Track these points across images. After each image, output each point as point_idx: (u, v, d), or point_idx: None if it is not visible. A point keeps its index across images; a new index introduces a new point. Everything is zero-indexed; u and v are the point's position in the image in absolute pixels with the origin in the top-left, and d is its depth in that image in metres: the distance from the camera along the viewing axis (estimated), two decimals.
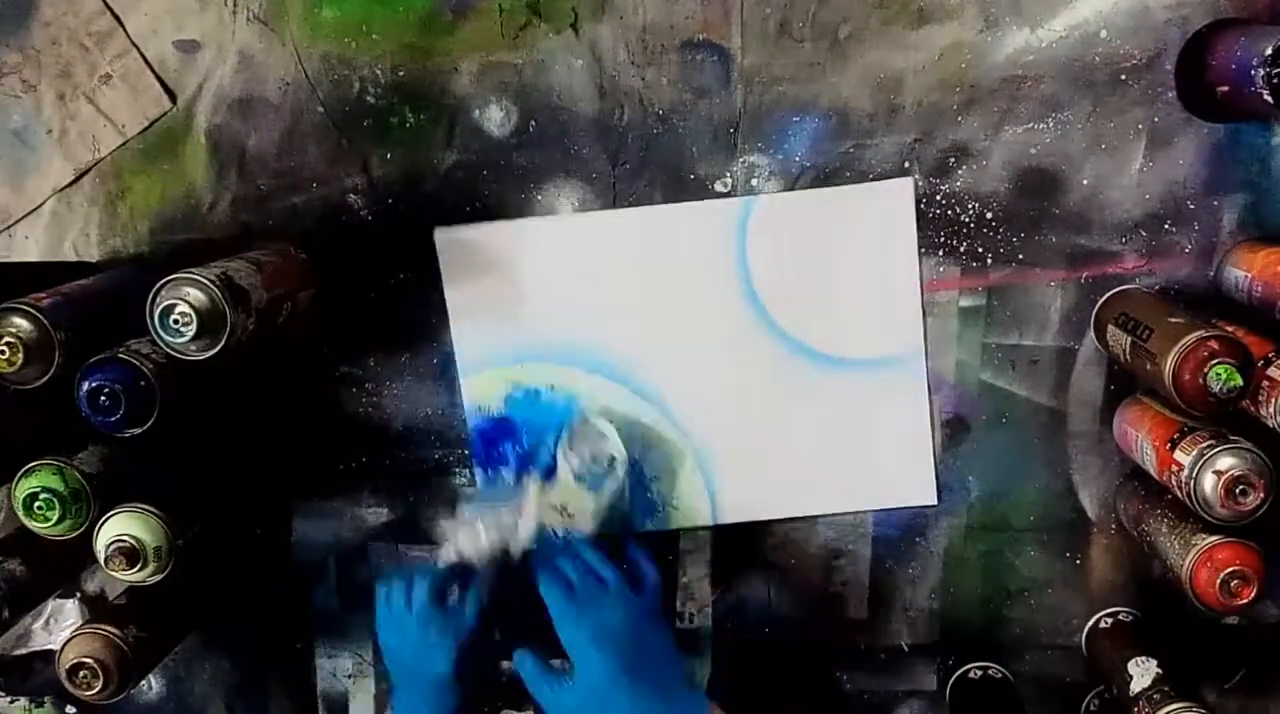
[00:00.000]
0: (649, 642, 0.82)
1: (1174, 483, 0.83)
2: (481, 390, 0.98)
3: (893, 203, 0.93)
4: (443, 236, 0.95)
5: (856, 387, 0.96)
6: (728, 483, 0.99)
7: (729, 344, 0.96)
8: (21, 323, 0.79)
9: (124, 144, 0.93)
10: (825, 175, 0.93)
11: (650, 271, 0.95)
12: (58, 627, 1.01)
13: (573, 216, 0.94)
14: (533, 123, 0.93)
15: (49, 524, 0.82)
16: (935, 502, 0.98)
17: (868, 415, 0.97)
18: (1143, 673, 0.91)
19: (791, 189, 0.93)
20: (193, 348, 0.79)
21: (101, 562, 0.84)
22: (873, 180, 0.93)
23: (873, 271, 0.94)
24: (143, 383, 0.80)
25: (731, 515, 1.00)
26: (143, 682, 0.97)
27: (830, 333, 0.96)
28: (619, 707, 0.78)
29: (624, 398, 0.97)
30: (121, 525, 0.84)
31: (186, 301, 0.78)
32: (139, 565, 0.84)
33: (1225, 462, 0.80)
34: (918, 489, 0.98)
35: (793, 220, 0.94)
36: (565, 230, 0.95)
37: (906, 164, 0.92)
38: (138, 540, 0.84)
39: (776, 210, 0.94)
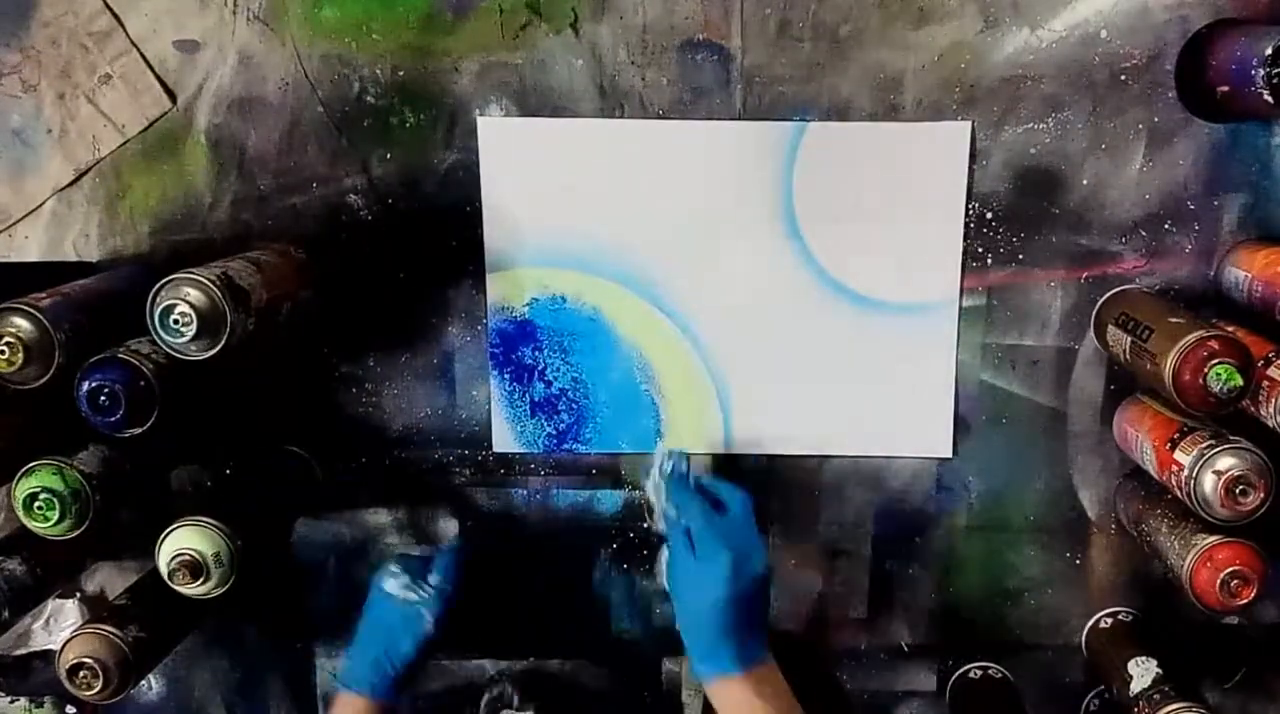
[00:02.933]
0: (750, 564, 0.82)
1: (1174, 483, 0.83)
2: (506, 289, 0.96)
3: (948, 146, 0.91)
4: (487, 125, 0.93)
5: (885, 330, 0.95)
6: (743, 412, 0.97)
7: (762, 271, 0.95)
8: (21, 323, 0.79)
9: (124, 144, 0.93)
10: None
11: (692, 188, 0.93)
12: (58, 627, 1.01)
13: (620, 122, 0.92)
14: None
15: (49, 524, 0.82)
16: (950, 455, 0.98)
17: (893, 361, 0.96)
18: (1143, 673, 0.91)
19: None
20: (193, 348, 0.79)
21: (165, 577, 0.85)
22: None
23: (918, 214, 0.93)
24: (143, 383, 0.80)
25: (743, 446, 0.98)
26: (143, 682, 0.97)
27: (866, 271, 0.94)
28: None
29: (647, 313, 0.95)
30: (183, 540, 0.85)
31: (186, 301, 0.78)
32: (202, 578, 0.85)
33: (1225, 462, 0.80)
34: (934, 441, 0.97)
35: (844, 151, 0.92)
36: (609, 135, 0.92)
37: None
38: (199, 553, 0.85)
39: (828, 139, 0.92)
